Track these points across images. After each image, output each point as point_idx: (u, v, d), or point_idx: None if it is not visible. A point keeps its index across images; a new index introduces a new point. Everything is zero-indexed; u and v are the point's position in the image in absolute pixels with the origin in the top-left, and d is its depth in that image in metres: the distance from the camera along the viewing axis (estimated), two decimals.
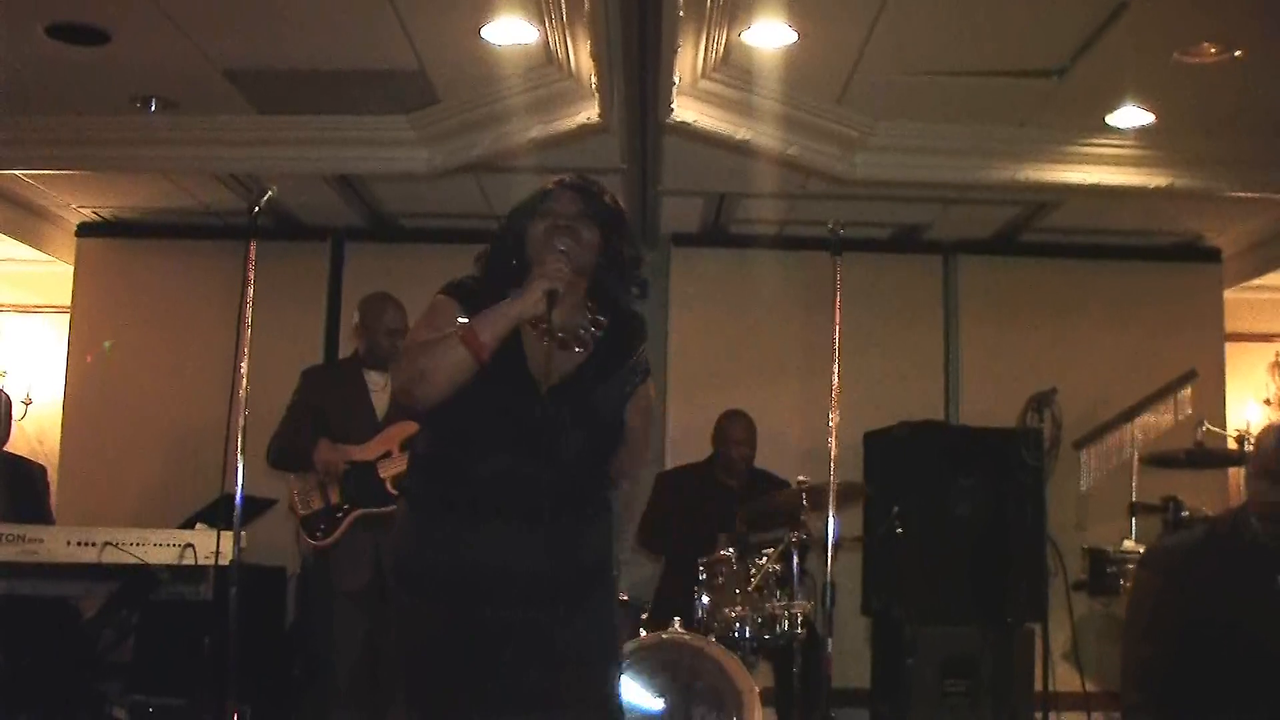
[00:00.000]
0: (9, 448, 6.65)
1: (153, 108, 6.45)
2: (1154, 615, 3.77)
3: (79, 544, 5.58)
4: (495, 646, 3.26)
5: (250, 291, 5.05)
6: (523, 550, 3.24)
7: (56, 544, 5.60)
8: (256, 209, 4.98)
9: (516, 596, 3.24)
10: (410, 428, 5.75)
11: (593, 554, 3.36)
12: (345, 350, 7.63)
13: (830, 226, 5.43)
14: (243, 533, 5.88)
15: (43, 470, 6.85)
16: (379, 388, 6.08)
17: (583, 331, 3.38)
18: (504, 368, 3.27)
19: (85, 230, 8.58)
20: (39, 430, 8.82)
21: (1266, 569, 3.47)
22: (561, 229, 3.31)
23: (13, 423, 6.87)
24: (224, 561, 5.65)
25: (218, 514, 6.24)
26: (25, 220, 8.31)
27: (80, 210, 8.37)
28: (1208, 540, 3.80)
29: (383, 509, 5.92)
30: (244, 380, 5.01)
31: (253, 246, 4.94)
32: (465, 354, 3.21)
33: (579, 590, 3.30)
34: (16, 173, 7.51)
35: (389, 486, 5.99)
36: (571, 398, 3.29)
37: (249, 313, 5.01)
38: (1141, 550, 6.61)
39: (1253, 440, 7.30)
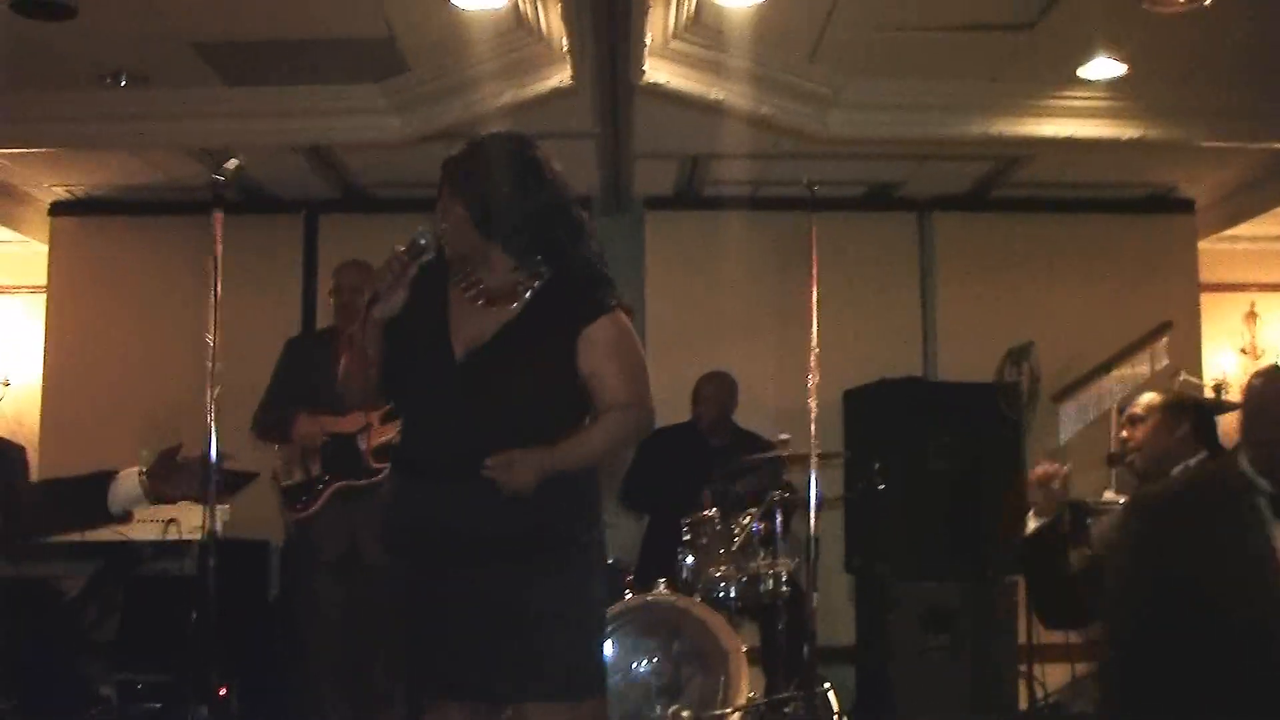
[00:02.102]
0: None
1: (122, 82, 6.41)
2: (1137, 563, 3.77)
3: None
4: (455, 605, 3.29)
5: (218, 263, 4.99)
6: (466, 511, 3.25)
7: None
8: (221, 179, 4.90)
9: (470, 556, 3.26)
10: None
11: (548, 515, 3.28)
12: (323, 321, 7.61)
13: (805, 184, 5.43)
14: (225, 506, 5.91)
15: (21, 451, 6.81)
16: None
17: (519, 284, 3.36)
18: (427, 337, 3.34)
19: (59, 209, 8.54)
20: (18, 411, 8.80)
21: (1255, 512, 3.48)
22: (440, 214, 3.34)
23: None
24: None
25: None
26: None
27: (53, 189, 8.33)
28: (1192, 486, 3.81)
29: (361, 481, 5.93)
30: (213, 353, 4.98)
31: (219, 218, 4.87)
32: (355, 365, 3.39)
33: (532, 552, 3.27)
34: None
35: (369, 459, 5.99)
36: (491, 360, 3.28)
37: (219, 286, 4.96)
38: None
39: (1228, 388, 7.36)
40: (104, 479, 3.97)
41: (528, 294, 3.35)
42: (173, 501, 4.38)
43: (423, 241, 3.29)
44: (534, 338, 3.30)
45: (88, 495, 4.02)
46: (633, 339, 3.43)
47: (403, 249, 3.28)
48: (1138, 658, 3.60)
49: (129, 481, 3.93)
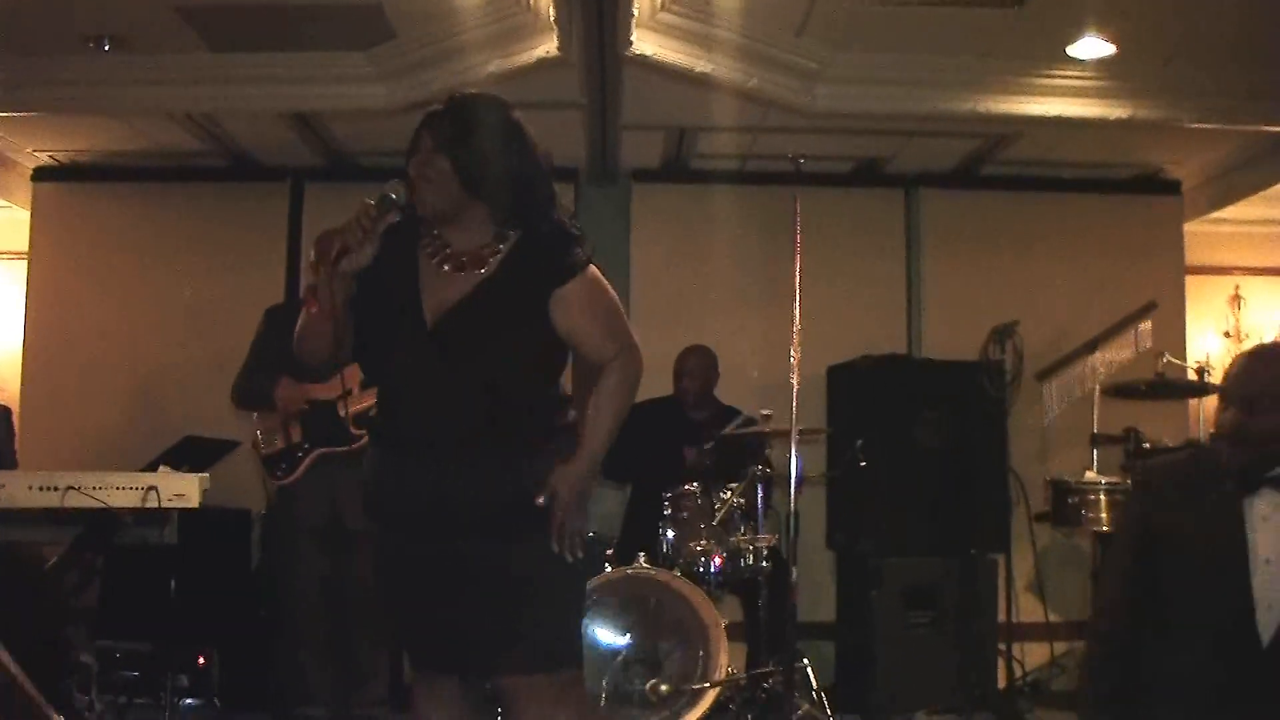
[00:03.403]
0: None
1: (106, 47, 6.35)
2: (1129, 531, 3.82)
3: (40, 488, 5.56)
4: (435, 576, 3.30)
5: None
6: (448, 483, 3.23)
7: (18, 488, 5.58)
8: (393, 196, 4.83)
9: (451, 528, 3.25)
10: None
11: (531, 487, 3.27)
12: (305, 290, 7.60)
13: (790, 157, 5.41)
14: (205, 475, 5.91)
15: (7, 411, 6.81)
16: None
17: (489, 247, 3.35)
18: (394, 297, 3.32)
19: (41, 174, 8.47)
20: None
21: (1230, 494, 3.51)
22: (420, 168, 3.28)
23: None
24: (189, 505, 5.65)
25: (180, 457, 6.25)
26: None
27: (36, 154, 8.26)
28: (1188, 464, 3.84)
29: (342, 448, 5.94)
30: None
31: None
32: (311, 318, 3.30)
33: (515, 523, 3.26)
34: None
35: (350, 425, 5.99)
36: (462, 325, 3.26)
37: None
38: (1104, 481, 6.67)
39: (1211, 371, 7.37)
40: None
41: (497, 257, 3.33)
42: None
43: (393, 196, 3.25)
44: (506, 300, 3.29)
45: None
46: (604, 288, 3.43)
47: (372, 202, 3.24)
48: (1125, 635, 3.65)
49: None
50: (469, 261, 3.33)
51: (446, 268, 3.33)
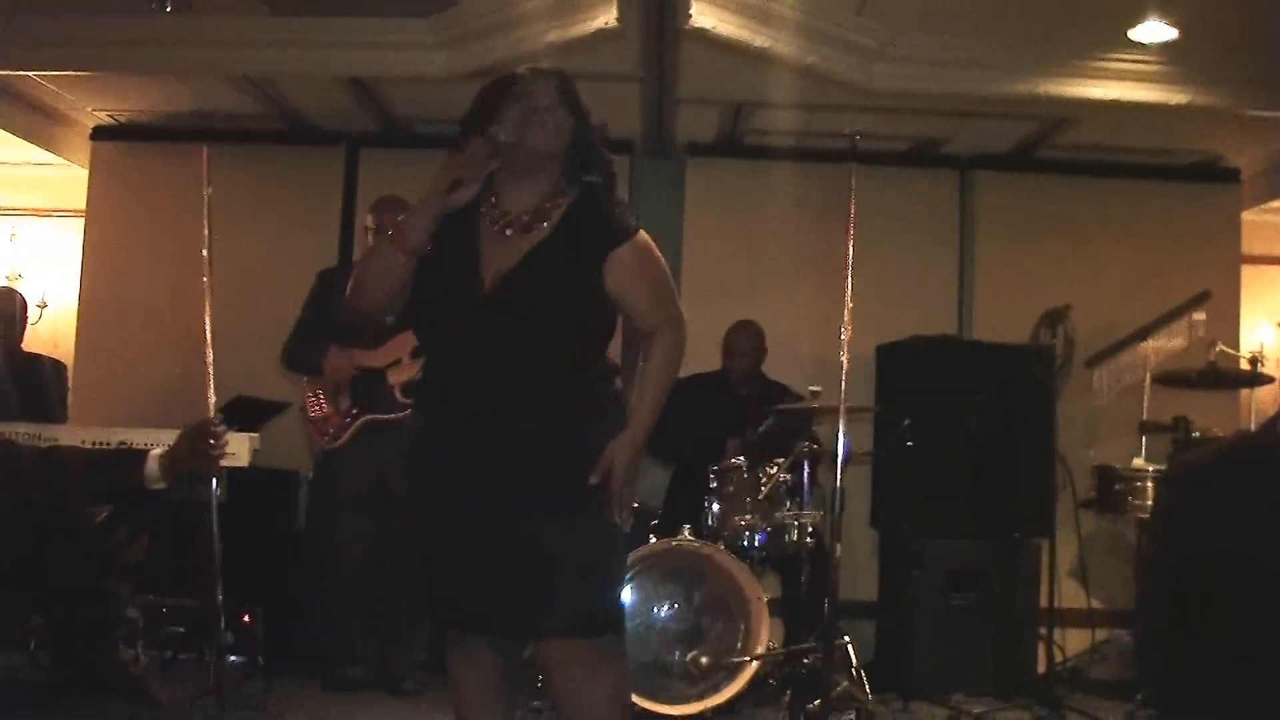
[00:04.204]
0: (26, 348, 6.69)
1: (168, 8, 6.40)
2: (1173, 532, 3.72)
3: (93, 444, 5.60)
4: (480, 541, 3.31)
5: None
6: (490, 449, 3.26)
7: (70, 442, 5.62)
8: None
9: (498, 495, 3.27)
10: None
11: (576, 457, 3.31)
12: (359, 254, 7.64)
13: (847, 134, 5.39)
14: (255, 435, 5.95)
15: (63, 367, 6.89)
16: None
17: (548, 206, 3.40)
18: (454, 262, 3.35)
19: (100, 134, 8.55)
20: (54, 334, 8.85)
21: None
22: (533, 114, 3.33)
23: (27, 324, 6.91)
24: (239, 463, 5.70)
25: (231, 416, 6.29)
26: (40, 124, 8.29)
27: (95, 113, 8.33)
28: (1235, 452, 3.74)
29: (389, 415, 5.98)
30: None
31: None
32: (393, 252, 3.31)
33: (562, 490, 3.29)
34: (31, 74, 7.49)
35: (398, 394, 6.02)
36: (520, 288, 3.30)
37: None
38: (1151, 469, 6.63)
39: (1264, 361, 7.31)
40: (140, 456, 4.41)
41: (558, 212, 3.39)
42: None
43: (502, 138, 3.28)
44: (562, 259, 3.33)
45: (127, 469, 4.46)
46: (656, 255, 3.47)
47: (483, 141, 3.28)
48: (1177, 629, 3.56)
49: (154, 464, 4.36)
50: (531, 219, 3.37)
51: (508, 232, 3.36)
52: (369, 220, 6.26)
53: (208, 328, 5.16)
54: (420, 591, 3.83)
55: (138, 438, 5.64)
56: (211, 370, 5.12)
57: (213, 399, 5.08)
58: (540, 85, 3.38)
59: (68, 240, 8.94)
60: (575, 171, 3.43)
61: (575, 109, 3.40)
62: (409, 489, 3.53)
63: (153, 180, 8.43)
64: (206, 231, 5.18)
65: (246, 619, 6.38)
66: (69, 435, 5.66)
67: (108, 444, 5.61)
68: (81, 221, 8.58)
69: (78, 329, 8.44)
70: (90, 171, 8.55)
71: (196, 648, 6.36)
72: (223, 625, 5.28)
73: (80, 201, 8.60)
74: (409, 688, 6.16)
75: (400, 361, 6.02)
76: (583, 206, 3.41)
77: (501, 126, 3.29)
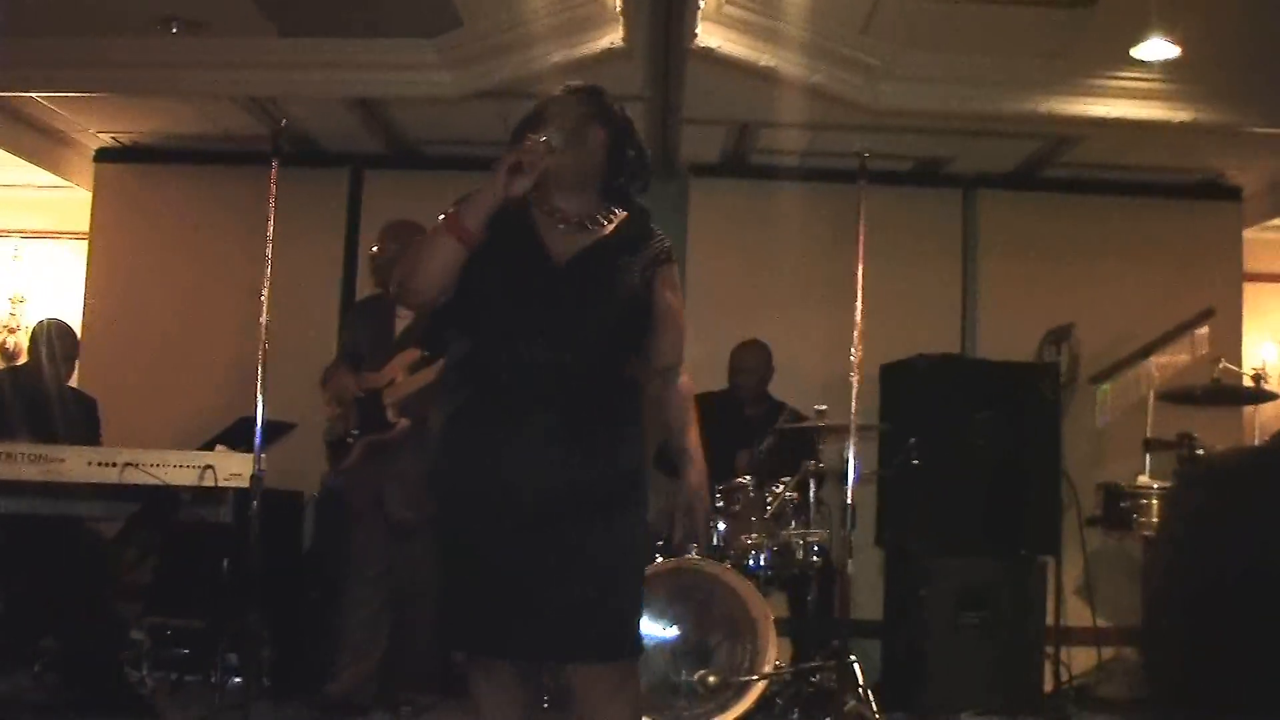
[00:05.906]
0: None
1: (175, 30, 6.42)
2: (1199, 538, 3.62)
3: (99, 464, 5.60)
4: (515, 560, 3.24)
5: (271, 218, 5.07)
6: (552, 451, 3.24)
7: (77, 464, 5.62)
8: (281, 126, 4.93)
9: (544, 505, 3.22)
10: (413, 354, 5.85)
11: (625, 461, 3.34)
12: (362, 277, 7.68)
13: (856, 152, 5.42)
14: (261, 456, 5.95)
15: (94, 403, 6.93)
16: (404, 317, 6.10)
17: (599, 215, 3.44)
18: (516, 247, 3.35)
19: (104, 155, 8.57)
20: None
21: None
22: (570, 134, 3.35)
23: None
24: (244, 483, 5.70)
25: (237, 436, 6.30)
26: (44, 145, 8.31)
27: (99, 135, 8.35)
28: (1265, 456, 3.61)
29: (381, 435, 5.99)
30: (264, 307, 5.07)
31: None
32: (450, 239, 3.26)
33: (610, 498, 3.29)
34: (36, 96, 7.50)
35: (389, 412, 6.03)
36: (590, 269, 3.34)
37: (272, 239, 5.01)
38: (1156, 486, 6.63)
39: (1267, 378, 7.32)
40: None
41: (611, 223, 3.44)
42: None
43: (555, 142, 3.28)
44: (624, 255, 3.40)
45: None
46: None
47: (541, 138, 3.27)
48: (1198, 644, 3.49)
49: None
50: (588, 221, 3.42)
51: (561, 226, 3.40)
52: (374, 247, 6.29)
53: (262, 333, 5.11)
54: (429, 613, 3.78)
55: (145, 458, 5.64)
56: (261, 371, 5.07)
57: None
58: (574, 101, 3.45)
59: (71, 262, 8.93)
60: (617, 181, 3.48)
61: (608, 120, 3.44)
62: (440, 505, 3.42)
63: (156, 202, 8.45)
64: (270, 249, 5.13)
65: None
66: (75, 455, 5.65)
67: (114, 464, 5.60)
68: (85, 244, 8.59)
69: (82, 351, 8.42)
70: (94, 193, 8.57)
71: (203, 669, 6.36)
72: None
73: (84, 224, 8.61)
74: (405, 715, 6.09)
75: (394, 381, 6.02)
76: (635, 221, 3.47)
77: (555, 131, 3.31)
